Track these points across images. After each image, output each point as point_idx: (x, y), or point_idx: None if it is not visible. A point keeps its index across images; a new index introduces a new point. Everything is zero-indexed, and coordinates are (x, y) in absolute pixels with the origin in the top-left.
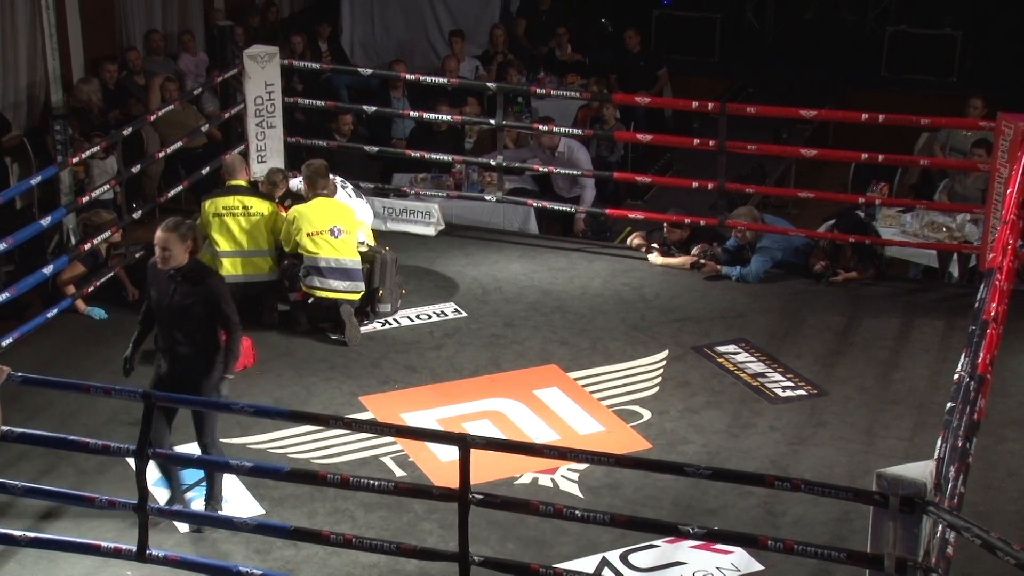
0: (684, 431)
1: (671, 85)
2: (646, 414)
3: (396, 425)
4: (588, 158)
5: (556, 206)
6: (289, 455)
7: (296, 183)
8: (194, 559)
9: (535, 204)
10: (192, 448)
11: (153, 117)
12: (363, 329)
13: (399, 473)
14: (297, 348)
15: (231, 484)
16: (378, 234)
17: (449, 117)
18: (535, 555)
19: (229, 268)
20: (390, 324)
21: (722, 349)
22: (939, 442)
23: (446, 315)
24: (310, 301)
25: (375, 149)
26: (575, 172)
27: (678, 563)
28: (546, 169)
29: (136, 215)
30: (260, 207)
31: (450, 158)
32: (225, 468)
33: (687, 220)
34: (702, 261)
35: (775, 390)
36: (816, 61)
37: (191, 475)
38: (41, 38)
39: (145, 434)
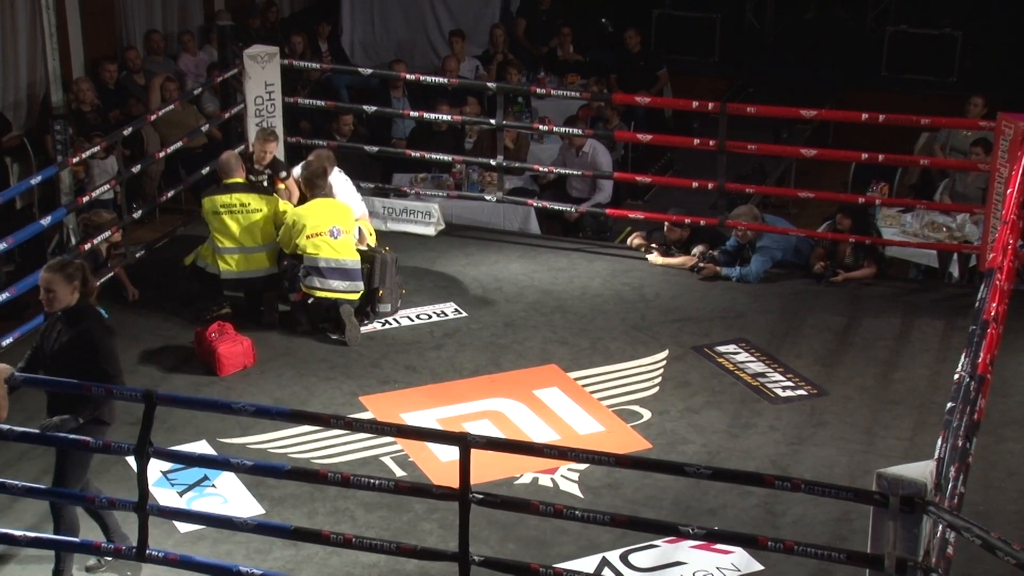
0: (684, 431)
1: (671, 85)
2: (646, 414)
3: (396, 425)
4: (610, 161)
5: (556, 206)
6: (289, 455)
7: (297, 170)
8: (194, 559)
9: (535, 204)
10: (192, 448)
11: (153, 117)
12: (363, 329)
13: (399, 473)
14: (297, 348)
15: (231, 484)
16: (378, 234)
17: (449, 117)
18: (535, 555)
19: (230, 264)
20: (390, 324)
21: (722, 349)
22: (939, 442)
23: (446, 315)
24: (310, 301)
25: (375, 149)
26: (575, 172)
27: (678, 563)
28: (546, 169)
29: (136, 215)
30: (258, 204)
31: (450, 158)
32: (225, 466)
33: (687, 220)
34: (701, 264)
35: (775, 390)
36: (816, 61)
37: (191, 475)
38: (41, 38)
39: (145, 434)
